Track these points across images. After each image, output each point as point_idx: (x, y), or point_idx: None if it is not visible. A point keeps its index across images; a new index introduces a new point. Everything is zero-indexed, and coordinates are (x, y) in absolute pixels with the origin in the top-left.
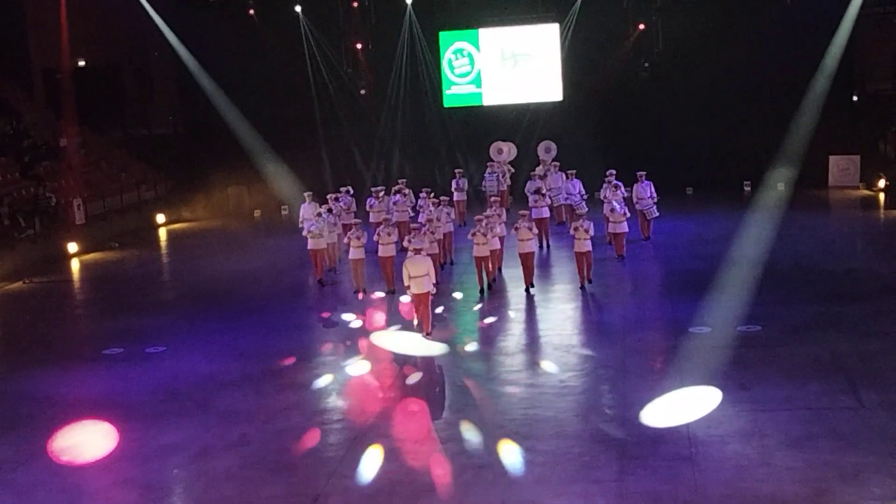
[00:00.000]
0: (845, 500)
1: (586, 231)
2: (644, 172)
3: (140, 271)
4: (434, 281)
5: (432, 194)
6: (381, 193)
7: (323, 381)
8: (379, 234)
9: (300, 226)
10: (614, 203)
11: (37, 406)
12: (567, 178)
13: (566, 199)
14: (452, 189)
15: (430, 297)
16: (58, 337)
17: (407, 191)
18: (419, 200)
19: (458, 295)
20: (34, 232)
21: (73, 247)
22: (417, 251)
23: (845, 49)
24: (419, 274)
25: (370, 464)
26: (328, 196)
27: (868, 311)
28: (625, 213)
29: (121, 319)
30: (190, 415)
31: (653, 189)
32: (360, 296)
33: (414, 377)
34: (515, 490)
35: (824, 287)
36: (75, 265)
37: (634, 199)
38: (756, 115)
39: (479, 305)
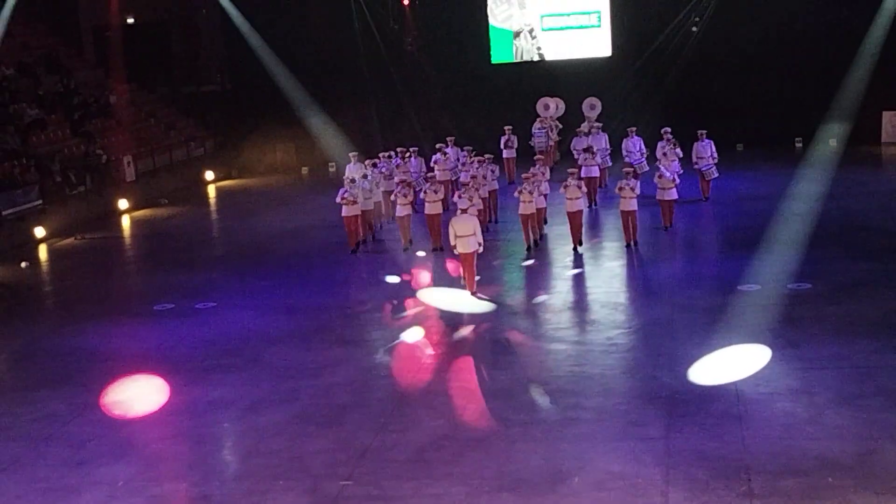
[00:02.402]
0: (895, 458)
1: (632, 189)
2: (704, 131)
3: (190, 228)
4: (480, 240)
5: (473, 152)
6: (407, 154)
7: (371, 336)
8: (426, 192)
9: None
10: (662, 168)
11: (89, 360)
12: (627, 135)
13: (626, 157)
14: (501, 146)
15: (476, 257)
16: (109, 292)
17: (448, 150)
18: (461, 158)
19: (504, 253)
20: (85, 188)
21: (123, 203)
22: (464, 210)
23: None
24: (465, 233)
25: (417, 419)
26: (366, 162)
27: None
28: (674, 180)
29: (171, 275)
30: (240, 370)
31: (713, 148)
32: (406, 252)
33: (461, 334)
34: (561, 447)
35: (876, 244)
36: (126, 221)
37: (694, 158)
38: (808, 69)
39: (526, 263)
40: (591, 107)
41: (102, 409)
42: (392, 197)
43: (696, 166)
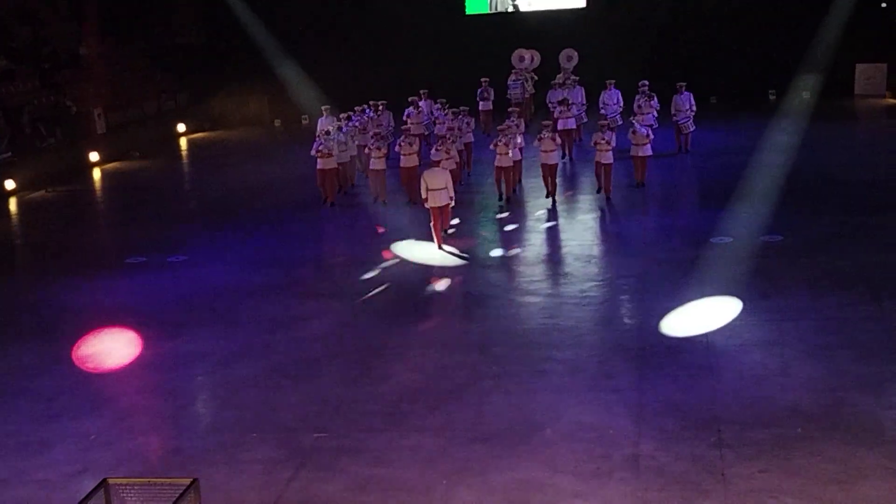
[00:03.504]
0: (864, 409)
1: (608, 143)
2: (684, 83)
3: (161, 181)
4: (452, 194)
5: (448, 104)
6: (381, 107)
7: (345, 289)
8: (401, 146)
9: (317, 138)
10: (637, 125)
11: (60, 314)
12: (606, 87)
13: (602, 110)
14: (478, 99)
15: (449, 210)
16: (80, 246)
17: (421, 103)
18: (434, 112)
19: (478, 205)
20: (55, 141)
21: (94, 156)
22: (436, 163)
23: None
24: (437, 187)
25: (391, 372)
26: (340, 115)
27: (891, 222)
28: (648, 135)
29: (143, 229)
30: (212, 323)
31: (692, 101)
32: (381, 206)
33: (434, 287)
34: (534, 398)
35: (848, 197)
36: (97, 174)
37: (672, 111)
38: (782, 22)
39: (500, 216)
40: (568, 58)
41: (74, 362)
42: (366, 150)
43: (674, 119)
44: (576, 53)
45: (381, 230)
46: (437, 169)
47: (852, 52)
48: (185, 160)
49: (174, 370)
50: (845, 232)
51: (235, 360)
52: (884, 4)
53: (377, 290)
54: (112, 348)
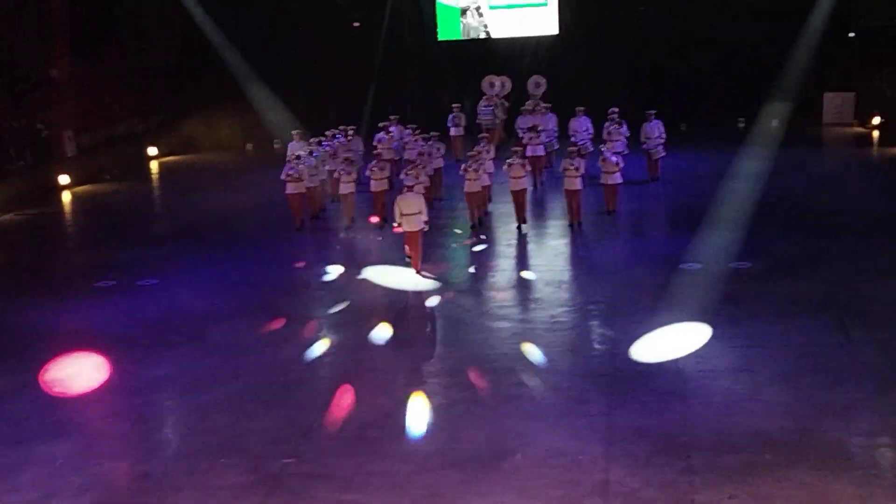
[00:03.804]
0: (832, 435)
1: (576, 169)
2: (653, 111)
3: (132, 204)
4: (425, 219)
5: (418, 130)
6: (351, 133)
7: (315, 314)
8: (371, 171)
9: (288, 163)
10: (606, 153)
11: (28, 337)
12: (575, 114)
13: (572, 137)
14: (449, 125)
15: (422, 235)
16: (49, 269)
17: (392, 128)
18: (405, 137)
19: (449, 231)
20: (25, 164)
21: (64, 179)
22: (410, 188)
23: None
24: (411, 212)
25: (361, 397)
26: (311, 140)
27: (859, 248)
28: (618, 163)
29: (112, 252)
30: (182, 347)
31: (662, 128)
32: (351, 230)
33: (405, 312)
34: (504, 424)
35: (816, 224)
36: (66, 197)
37: (642, 139)
38: (751, 50)
39: (471, 241)
40: (537, 85)
41: (42, 386)
42: (335, 174)
43: (643, 146)
44: (544, 80)
45: (351, 254)
46: (410, 194)
47: (821, 81)
48: (156, 183)
49: (143, 394)
50: (813, 258)
51: (204, 384)
52: (852, 34)
53: (347, 315)
54: (80, 372)
